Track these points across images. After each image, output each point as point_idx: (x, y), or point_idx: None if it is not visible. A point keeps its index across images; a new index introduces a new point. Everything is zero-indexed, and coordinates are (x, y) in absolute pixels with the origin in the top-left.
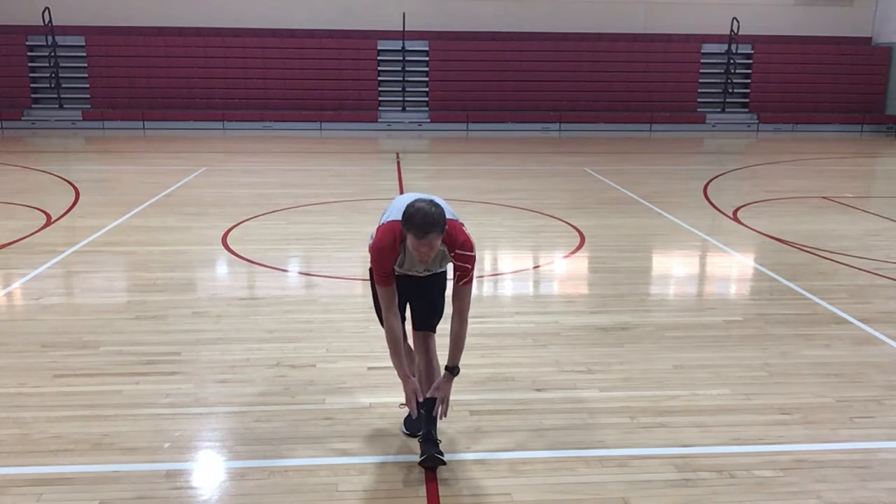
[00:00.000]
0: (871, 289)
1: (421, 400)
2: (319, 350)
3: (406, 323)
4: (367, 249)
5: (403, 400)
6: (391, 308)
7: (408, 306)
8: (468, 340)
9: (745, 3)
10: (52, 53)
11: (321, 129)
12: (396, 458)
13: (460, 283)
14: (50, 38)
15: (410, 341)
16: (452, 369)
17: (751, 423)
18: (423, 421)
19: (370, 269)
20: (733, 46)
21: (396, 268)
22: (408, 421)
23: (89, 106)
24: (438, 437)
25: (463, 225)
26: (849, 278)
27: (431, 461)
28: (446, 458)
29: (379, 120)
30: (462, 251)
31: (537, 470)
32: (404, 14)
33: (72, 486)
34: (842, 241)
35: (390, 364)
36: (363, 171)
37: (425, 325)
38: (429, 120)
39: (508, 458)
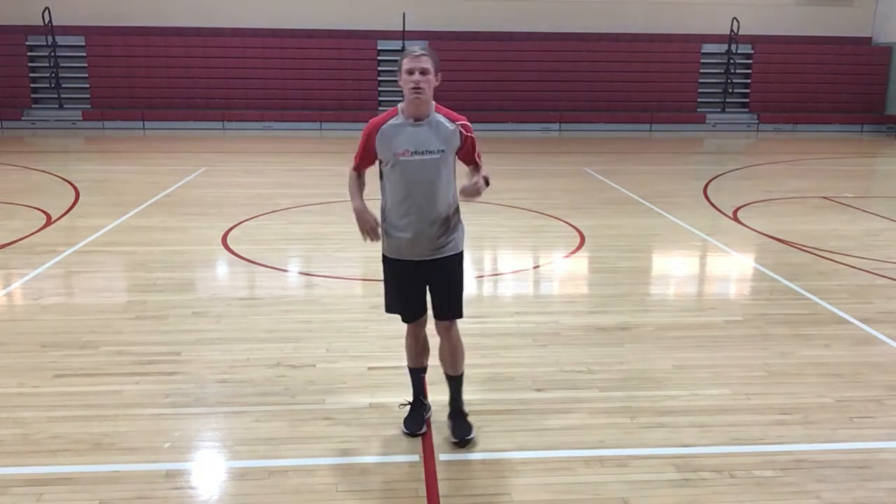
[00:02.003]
0: (871, 289)
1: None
2: (319, 350)
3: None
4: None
5: (403, 400)
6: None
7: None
8: (468, 340)
9: (745, 3)
10: (52, 53)
11: (321, 129)
12: (396, 458)
13: (478, 160)
14: (50, 38)
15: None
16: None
17: (751, 423)
18: (450, 398)
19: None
20: (733, 46)
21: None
22: (408, 421)
23: (89, 106)
24: (466, 410)
25: None
26: (849, 278)
27: (465, 431)
28: (446, 457)
29: None
30: (464, 123)
31: (537, 470)
32: (404, 14)
33: (72, 486)
34: (842, 241)
35: (390, 364)
36: None
37: (447, 312)
38: None
39: (508, 458)
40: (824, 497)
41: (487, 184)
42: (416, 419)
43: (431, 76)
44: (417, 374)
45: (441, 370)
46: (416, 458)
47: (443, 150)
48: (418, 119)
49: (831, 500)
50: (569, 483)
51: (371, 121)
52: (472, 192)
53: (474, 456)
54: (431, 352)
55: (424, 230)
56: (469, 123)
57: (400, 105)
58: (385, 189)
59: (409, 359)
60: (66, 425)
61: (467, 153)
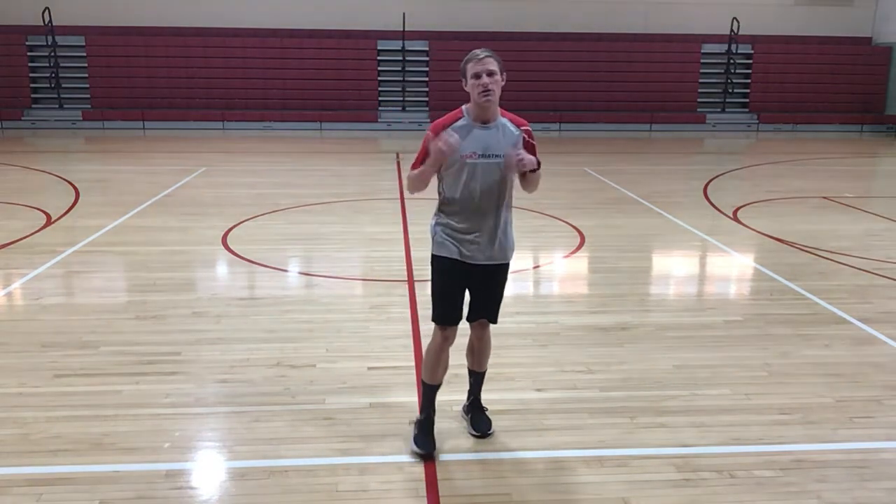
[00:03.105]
0: (871, 289)
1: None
2: (319, 350)
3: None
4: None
5: (412, 418)
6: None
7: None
8: (467, 341)
9: (745, 3)
10: (52, 53)
11: (321, 129)
12: (396, 458)
13: (536, 170)
14: (50, 38)
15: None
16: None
17: (751, 423)
18: (471, 393)
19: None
20: (733, 46)
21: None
22: (419, 439)
23: (89, 106)
24: (485, 406)
25: None
26: (849, 278)
27: (486, 425)
28: (447, 457)
29: (379, 120)
30: (528, 128)
31: (537, 470)
32: (404, 14)
33: (72, 486)
34: (842, 241)
35: (390, 364)
36: (363, 171)
37: (485, 315)
38: (429, 120)
39: (508, 458)
40: (824, 497)
41: (535, 170)
42: (429, 438)
43: (498, 77)
44: (433, 391)
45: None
46: (414, 458)
47: (503, 158)
48: (485, 122)
49: (831, 500)
50: (569, 483)
51: (435, 122)
52: (513, 163)
53: (474, 456)
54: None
55: (485, 235)
56: (531, 129)
57: (465, 107)
58: (445, 192)
59: (427, 373)
60: (66, 425)
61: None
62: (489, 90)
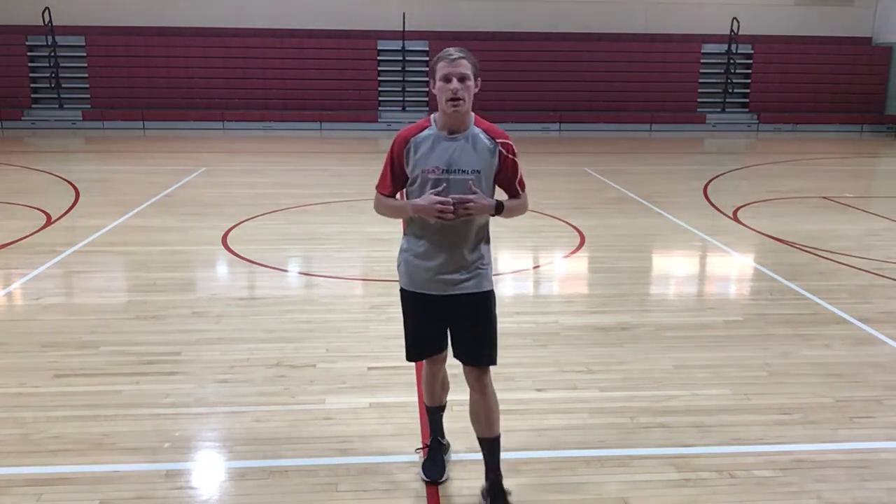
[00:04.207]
0: (871, 289)
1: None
2: (319, 350)
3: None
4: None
5: (418, 445)
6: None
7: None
8: None
9: (745, 3)
10: (52, 53)
11: (321, 129)
12: (396, 458)
13: (521, 190)
14: (50, 38)
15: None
16: (498, 202)
17: (751, 423)
18: (485, 469)
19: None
20: (733, 46)
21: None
22: (427, 466)
23: (89, 106)
24: (507, 488)
25: None
26: (849, 278)
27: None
28: (446, 457)
29: (379, 120)
30: (506, 141)
31: (537, 470)
32: (404, 14)
33: (72, 486)
34: (842, 241)
35: (390, 364)
36: (363, 171)
37: (475, 357)
38: None
39: (508, 458)
40: (824, 497)
41: (498, 211)
42: (437, 463)
43: (471, 83)
44: (435, 414)
45: (447, 395)
46: (415, 458)
47: (478, 171)
48: (453, 132)
49: (831, 500)
50: (569, 483)
51: (399, 133)
52: (462, 205)
53: (474, 456)
54: (452, 387)
55: (449, 261)
56: (512, 143)
57: (433, 115)
58: None
59: (427, 396)
60: (66, 425)
61: (507, 179)
62: (458, 99)
